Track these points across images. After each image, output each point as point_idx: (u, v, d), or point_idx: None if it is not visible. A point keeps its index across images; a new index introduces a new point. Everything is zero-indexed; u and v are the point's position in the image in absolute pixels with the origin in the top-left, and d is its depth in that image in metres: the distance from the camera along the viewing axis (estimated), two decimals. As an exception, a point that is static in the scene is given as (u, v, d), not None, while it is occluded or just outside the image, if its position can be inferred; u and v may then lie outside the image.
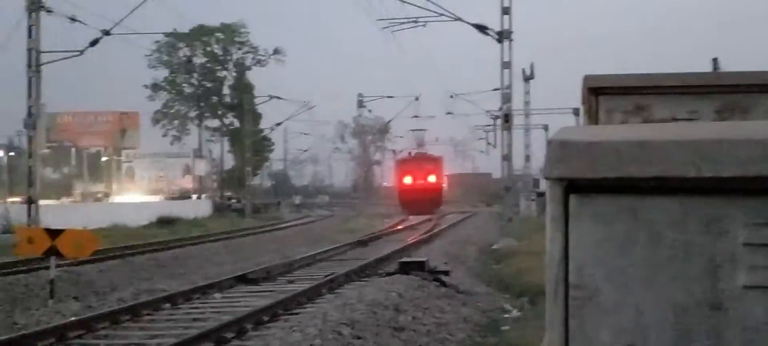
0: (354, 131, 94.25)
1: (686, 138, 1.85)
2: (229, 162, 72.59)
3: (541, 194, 51.99)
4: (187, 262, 23.39)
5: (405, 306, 13.44)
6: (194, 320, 13.06)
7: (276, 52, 71.53)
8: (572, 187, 1.89)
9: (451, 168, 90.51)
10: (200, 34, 69.33)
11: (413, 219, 48.64)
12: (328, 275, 17.34)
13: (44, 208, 31.88)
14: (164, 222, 41.15)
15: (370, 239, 30.81)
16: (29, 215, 29.28)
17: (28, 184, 30.00)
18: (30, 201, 29.69)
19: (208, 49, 70.60)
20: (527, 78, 56.28)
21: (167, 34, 65.34)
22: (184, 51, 70.61)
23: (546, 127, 68.68)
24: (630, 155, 1.84)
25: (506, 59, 33.39)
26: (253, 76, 71.79)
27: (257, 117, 69.49)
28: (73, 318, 12.78)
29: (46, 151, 62.60)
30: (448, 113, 64.17)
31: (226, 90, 70.47)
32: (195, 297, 15.29)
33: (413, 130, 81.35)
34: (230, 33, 70.42)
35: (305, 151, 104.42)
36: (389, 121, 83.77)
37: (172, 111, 72.29)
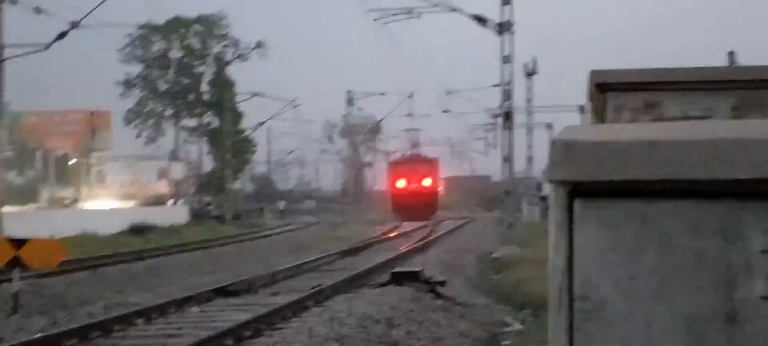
0: (343, 131, 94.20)
1: (700, 138, 1.85)
2: (208, 165, 72.47)
3: (545, 198, 52.09)
4: (163, 273, 23.33)
5: (398, 320, 13.43)
6: (169, 336, 13.02)
7: (258, 45, 71.50)
8: (577, 190, 1.89)
9: (447, 170, 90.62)
10: (176, 26, 69.23)
11: (407, 226, 48.62)
12: (315, 287, 17.31)
13: (7, 215, 31.76)
14: (137, 230, 41.03)
15: (360, 248, 30.80)
16: (-9, 222, 29.17)
17: (-11, 189, 29.88)
18: (-8, 208, 29.57)
19: (185, 42, 70.49)
20: (529, 73, 56.39)
21: (141, 27, 65.26)
22: (159, 45, 70.47)
23: (550, 126, 68.86)
24: (639, 156, 1.85)
25: (507, 53, 33.46)
26: (234, 71, 71.71)
27: (238, 116, 69.40)
28: (38, 335, 12.72)
29: (9, 153, 62.35)
30: (445, 111, 64.38)
31: (204, 87, 70.36)
32: (171, 311, 15.25)
33: (407, 129, 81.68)
34: (209, 25, 70.34)
35: (290, 152, 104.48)
36: (381, 120, 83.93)
37: (146, 110, 72.13)
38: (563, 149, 1.88)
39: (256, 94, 61.42)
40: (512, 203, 44.69)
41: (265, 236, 42.54)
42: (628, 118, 2.64)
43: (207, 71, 71.18)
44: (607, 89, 2.69)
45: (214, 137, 68.98)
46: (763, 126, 2.00)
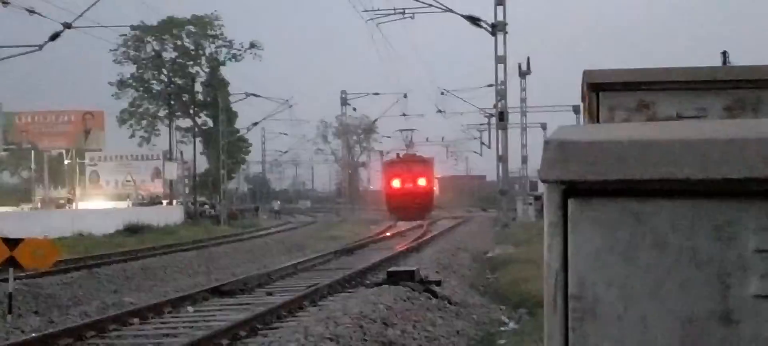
0: (337, 131, 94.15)
1: (693, 137, 1.86)
2: (203, 165, 72.47)
3: (539, 198, 52.14)
4: (158, 273, 23.32)
5: (393, 319, 13.45)
6: (165, 335, 13.02)
7: (252, 46, 71.52)
8: (571, 190, 1.89)
9: (442, 170, 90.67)
10: (170, 26, 69.17)
11: (402, 225, 48.65)
12: (311, 287, 17.33)
13: (1, 215, 31.70)
14: (132, 230, 41.04)
15: (355, 247, 30.82)
16: (-15, 223, 29.11)
17: (-17, 190, 29.82)
18: (-14, 208, 29.53)
19: (179, 43, 70.45)
20: (523, 73, 56.48)
21: (134, 27, 65.15)
22: (152, 45, 70.43)
23: (544, 126, 68.99)
24: (633, 156, 1.85)
25: (501, 53, 33.51)
26: (228, 72, 71.77)
27: (232, 116, 69.37)
28: (33, 334, 12.71)
29: (3, 153, 62.30)
30: (439, 111, 64.39)
31: (198, 87, 70.36)
32: (166, 311, 15.25)
33: (401, 129, 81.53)
34: (203, 26, 70.30)
35: (285, 152, 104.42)
36: (375, 120, 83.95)
37: (139, 110, 72.09)
38: (557, 149, 1.88)
39: (250, 95, 61.36)
40: (507, 202, 44.77)
41: (260, 236, 42.54)
42: (621, 118, 2.64)
43: (201, 71, 71.23)
44: (601, 89, 2.69)
45: (208, 137, 68.97)
46: (757, 126, 2.01)
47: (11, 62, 30.13)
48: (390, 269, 18.73)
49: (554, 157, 1.88)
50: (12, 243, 14.98)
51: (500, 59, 33.46)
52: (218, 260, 27.74)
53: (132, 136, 72.12)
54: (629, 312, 1.87)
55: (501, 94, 33.95)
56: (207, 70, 71.13)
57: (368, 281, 18.46)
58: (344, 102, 74.71)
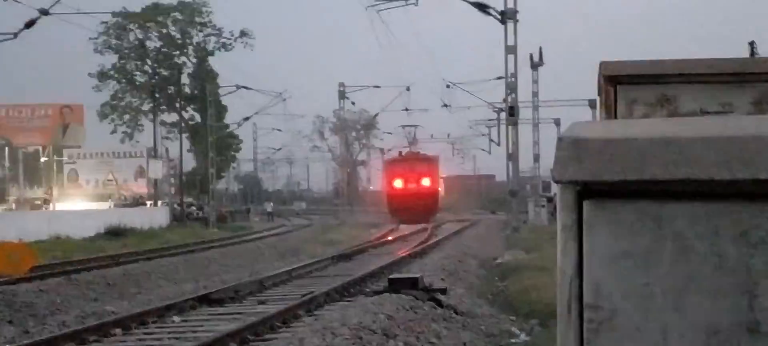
0: (335, 127, 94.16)
1: (718, 135, 1.86)
2: (190, 163, 72.52)
3: (552, 199, 52.13)
4: (141, 280, 23.33)
5: (395, 330, 13.45)
6: (149, 347, 13.02)
7: (243, 34, 71.55)
8: (587, 191, 1.90)
9: (448, 169, 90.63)
10: (155, 13, 69.19)
11: (405, 229, 48.64)
12: (306, 295, 17.33)
13: (-27, 217, 31.74)
14: (114, 233, 41.07)
15: (354, 253, 30.82)
16: (-45, 225, 29.14)
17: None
18: (-44, 209, 29.56)
19: (164, 31, 70.48)
20: (535, 65, 56.44)
21: (116, 14, 65.14)
22: (135, 33, 70.47)
23: (557, 122, 68.89)
24: (653, 155, 1.85)
25: (511, 43, 33.52)
26: (217, 62, 71.79)
27: (222, 110, 69.41)
28: (6, 346, 12.71)
29: (-25, 150, 62.31)
30: (445, 106, 64.36)
31: (185, 79, 70.38)
32: (150, 321, 15.25)
33: (404, 125, 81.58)
34: (189, 12, 70.31)
35: (278, 150, 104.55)
36: (376, 115, 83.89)
37: (122, 103, 72.11)
38: (572, 147, 1.88)
39: (241, 87, 61.37)
40: (518, 204, 44.78)
41: (252, 240, 42.55)
42: (641, 113, 2.65)
43: (188, 62, 71.24)
44: (619, 82, 2.69)
45: (195, 133, 69.00)
46: (787, 122, 2.00)
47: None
48: (391, 276, 18.73)
49: (568, 155, 1.89)
50: (-16, 247, 14.99)
51: (510, 49, 33.47)
52: (206, 266, 27.74)
53: (113, 131, 72.19)
54: (649, 323, 1.87)
55: (511, 88, 33.97)
56: (194, 60, 71.15)
57: (368, 289, 18.46)
58: (342, 95, 74.69)
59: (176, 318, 15.76)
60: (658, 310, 1.87)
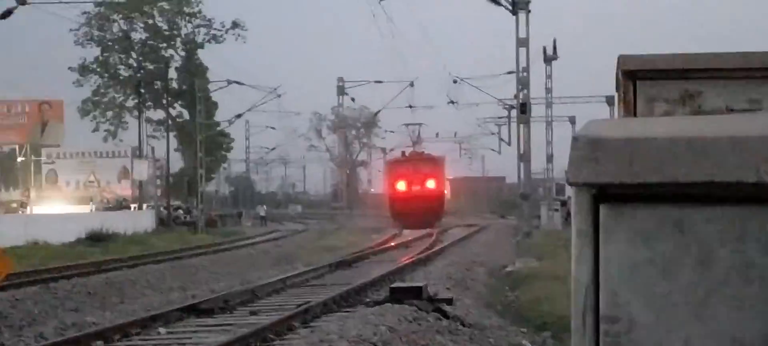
0: (333, 125, 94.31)
1: (746, 134, 1.86)
2: (177, 163, 72.53)
3: (566, 203, 52.20)
4: (125, 289, 23.34)
5: (397, 343, 13.44)
6: (133, 361, 13.02)
7: (235, 25, 71.60)
8: (604, 194, 1.90)
9: (455, 171, 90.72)
10: (140, 3, 69.22)
11: (408, 234, 48.65)
12: (302, 305, 17.33)
13: (-56, 221, 31.75)
14: (95, 239, 41.07)
15: (353, 260, 30.83)
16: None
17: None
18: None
19: (151, 21, 70.52)
20: (549, 58, 56.50)
21: (98, 4, 65.19)
22: (119, 24, 70.51)
23: (573, 120, 69.01)
24: (675, 155, 1.86)
25: (522, 35, 33.53)
26: (207, 56, 71.78)
27: (212, 107, 69.44)
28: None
29: (-53, 149, 62.39)
30: (451, 102, 64.45)
31: (172, 73, 70.43)
32: (134, 333, 15.25)
33: (407, 123, 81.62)
34: (177, 2, 70.35)
35: (272, 149, 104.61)
36: (377, 113, 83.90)
37: (105, 99, 72.14)
38: (588, 147, 1.89)
39: (232, 82, 61.38)
40: (529, 208, 44.78)
41: (244, 246, 42.59)
42: (662, 110, 2.65)
43: (175, 55, 71.27)
44: (639, 77, 2.69)
45: (184, 131, 69.01)
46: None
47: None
48: (393, 285, 18.72)
49: (584, 156, 1.89)
50: (-44, 253, 14.99)
51: (522, 42, 33.47)
52: (195, 273, 27.75)
53: (96, 129, 72.20)
54: (670, 335, 1.88)
55: (523, 83, 33.97)
56: (182, 53, 71.18)
57: (368, 299, 18.46)
58: (341, 91, 74.83)
59: (162, 330, 15.76)
60: (679, 321, 1.87)
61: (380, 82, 74.35)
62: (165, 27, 70.87)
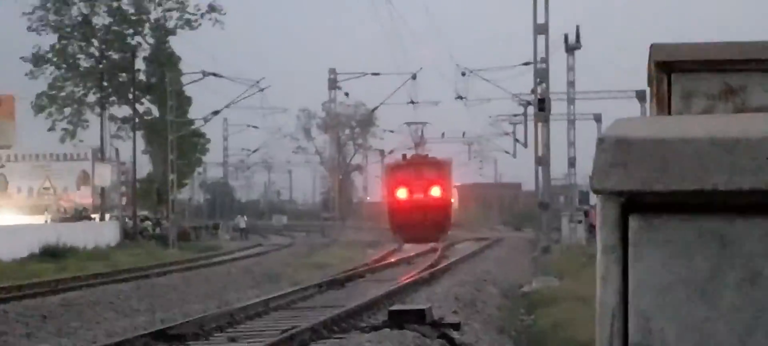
0: (324, 123, 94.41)
1: (796, 135, 1.86)
2: (145, 167, 72.57)
3: (590, 213, 52.20)
4: (84, 311, 23.33)
5: (397, 374, 13.43)
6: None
7: (212, 9, 71.68)
8: (634, 204, 1.90)
9: (463, 176, 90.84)
10: (103, -17, 69.32)
11: (409, 249, 48.68)
12: (287, 331, 17.34)
13: None
14: (51, 254, 41.09)
15: (347, 278, 30.85)
16: None
17: None
18: None
19: (115, 4, 70.58)
20: (571, 48, 56.60)
21: (56, -16, 65.27)
22: (79, 7, 70.56)
23: (598, 118, 69.10)
24: (716, 159, 1.85)
25: (541, 21, 33.52)
26: (180, 44, 71.86)
27: (185, 103, 69.47)
28: None
29: None
30: (459, 98, 64.52)
31: (140, 63, 70.49)
32: (95, 362, 15.25)
33: (409, 122, 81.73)
34: (146, -18, 70.44)
35: (254, 151, 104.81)
36: (375, 109, 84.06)
37: (62, 94, 72.16)
38: (615, 149, 1.88)
39: (208, 74, 61.44)
40: (549, 219, 44.78)
41: (222, 263, 42.60)
42: (700, 107, 2.65)
43: (143, 43, 71.32)
44: (674, 70, 2.69)
45: (153, 131, 69.04)
46: None
47: None
48: (393, 308, 18.74)
49: (611, 160, 1.89)
50: None
51: (540, 29, 33.41)
52: (165, 294, 27.75)
53: (52, 128, 72.19)
54: (709, 366, 1.87)
55: (541, 76, 33.89)
56: (151, 41, 71.25)
57: (364, 324, 18.48)
58: (333, 85, 74.81)
59: (127, 359, 15.76)
60: (721, 350, 1.87)
61: (378, 74, 74.40)
62: (131, 10, 70.93)
